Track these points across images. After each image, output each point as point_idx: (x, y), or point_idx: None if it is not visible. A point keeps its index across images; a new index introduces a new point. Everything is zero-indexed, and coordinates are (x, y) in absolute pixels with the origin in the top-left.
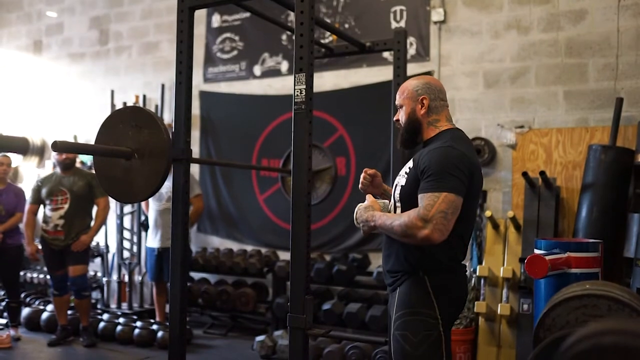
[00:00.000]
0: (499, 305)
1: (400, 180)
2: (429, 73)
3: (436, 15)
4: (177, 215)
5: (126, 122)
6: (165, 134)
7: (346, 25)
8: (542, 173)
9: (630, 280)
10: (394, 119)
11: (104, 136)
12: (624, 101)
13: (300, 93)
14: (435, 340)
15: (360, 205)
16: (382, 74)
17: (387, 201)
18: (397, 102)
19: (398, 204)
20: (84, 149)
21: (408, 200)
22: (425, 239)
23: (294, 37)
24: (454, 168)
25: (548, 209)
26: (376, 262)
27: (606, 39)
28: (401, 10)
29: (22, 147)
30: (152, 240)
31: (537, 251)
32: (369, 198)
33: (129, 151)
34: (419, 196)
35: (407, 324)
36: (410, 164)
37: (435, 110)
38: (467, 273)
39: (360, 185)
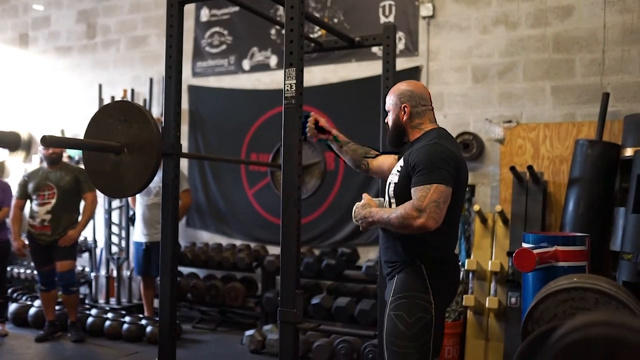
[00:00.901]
0: (487, 298)
1: (393, 178)
2: (417, 68)
3: (425, 10)
4: (167, 210)
5: (115, 116)
6: (155, 129)
7: (335, 20)
8: (530, 167)
9: (616, 273)
10: (385, 120)
11: (93, 131)
12: (610, 96)
13: (291, 88)
14: (427, 323)
15: (358, 204)
16: (371, 68)
17: (382, 199)
18: (386, 107)
19: (392, 200)
20: (73, 143)
21: (402, 195)
22: (421, 227)
23: (283, 32)
24: (441, 162)
25: (535, 203)
26: (365, 256)
27: (593, 34)
28: (390, 5)
29: (14, 142)
30: (140, 234)
31: (525, 245)
32: (366, 196)
33: (119, 146)
34: (412, 190)
35: (403, 306)
36: (400, 162)
37: (418, 115)
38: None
39: (308, 134)
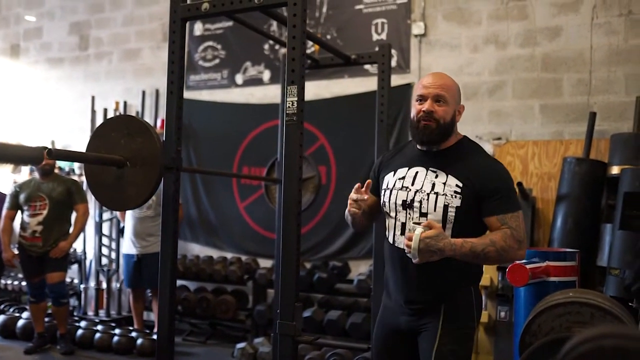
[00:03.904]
0: None
1: (452, 201)
2: (409, 85)
3: (417, 28)
4: (168, 224)
5: (119, 130)
6: (158, 143)
7: (328, 37)
8: (519, 184)
9: (603, 288)
10: (427, 108)
11: (95, 144)
12: (597, 115)
13: (292, 105)
14: (471, 349)
15: (425, 233)
16: (363, 84)
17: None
18: (439, 93)
19: (449, 225)
20: (77, 156)
21: (464, 220)
22: (518, 259)
23: (277, 47)
24: (513, 184)
25: (524, 218)
26: (356, 269)
27: (580, 55)
28: (382, 23)
29: (38, 158)
30: (131, 247)
31: (517, 260)
32: (435, 224)
33: (122, 159)
34: (498, 217)
35: (457, 340)
36: (453, 181)
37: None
38: None
39: (352, 209)
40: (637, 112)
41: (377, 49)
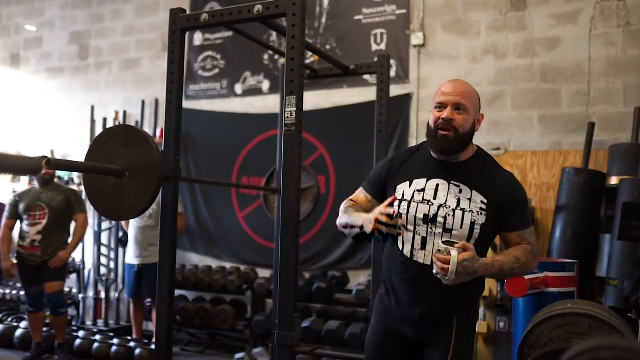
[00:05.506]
0: (476, 323)
1: (479, 218)
2: (408, 95)
3: (416, 39)
4: (166, 233)
5: (117, 140)
6: (157, 153)
7: (327, 47)
8: None
9: (602, 299)
10: (446, 116)
11: (94, 153)
12: (596, 126)
13: (291, 115)
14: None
15: (461, 255)
16: (362, 94)
17: (454, 248)
18: (459, 101)
19: (472, 242)
20: (76, 166)
21: (484, 236)
22: (532, 272)
23: (276, 57)
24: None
25: None
26: (355, 280)
27: (578, 66)
28: (382, 34)
29: (36, 168)
30: (132, 256)
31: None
32: (469, 246)
33: (120, 169)
34: (519, 232)
35: (466, 349)
36: (478, 197)
37: None
38: None
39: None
40: (636, 122)
41: (376, 59)
